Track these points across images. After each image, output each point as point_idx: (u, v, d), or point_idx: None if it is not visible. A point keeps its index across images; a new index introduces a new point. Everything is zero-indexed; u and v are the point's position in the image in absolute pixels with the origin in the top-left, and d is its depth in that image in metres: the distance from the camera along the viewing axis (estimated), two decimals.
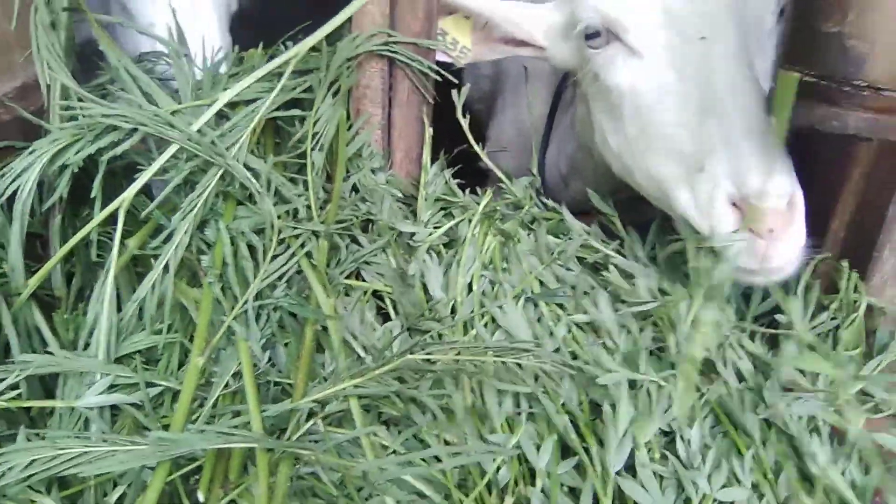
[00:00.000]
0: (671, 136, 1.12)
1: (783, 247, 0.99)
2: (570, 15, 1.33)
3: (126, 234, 1.11)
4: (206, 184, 1.05)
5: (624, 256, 1.26)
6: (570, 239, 1.30)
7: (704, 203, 1.03)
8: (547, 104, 2.05)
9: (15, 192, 1.07)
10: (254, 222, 1.08)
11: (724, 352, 1.08)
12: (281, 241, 1.08)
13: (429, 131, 1.41)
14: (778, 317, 1.14)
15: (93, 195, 1.09)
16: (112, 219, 1.12)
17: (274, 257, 1.07)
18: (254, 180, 1.06)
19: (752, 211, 0.96)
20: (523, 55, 1.46)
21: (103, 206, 1.13)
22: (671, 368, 1.05)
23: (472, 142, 1.41)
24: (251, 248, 1.09)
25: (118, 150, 1.05)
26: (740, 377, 1.08)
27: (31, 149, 1.06)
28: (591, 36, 1.22)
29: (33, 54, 1.08)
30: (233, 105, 1.21)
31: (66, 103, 1.10)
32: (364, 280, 1.25)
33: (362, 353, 1.11)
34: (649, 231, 1.30)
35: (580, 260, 1.28)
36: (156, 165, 1.04)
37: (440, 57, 1.41)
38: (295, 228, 1.09)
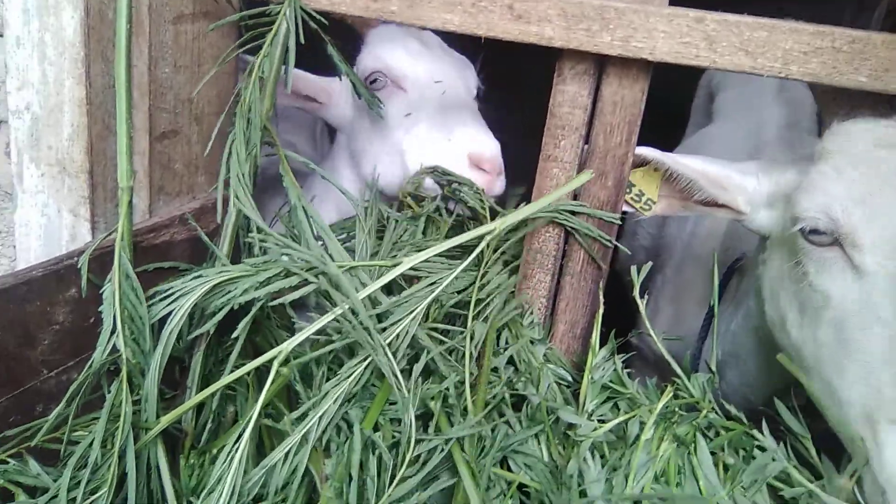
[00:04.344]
0: (870, 365, 1.03)
1: None
2: (782, 192, 1.25)
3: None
4: (355, 367, 0.96)
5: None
6: (753, 459, 1.09)
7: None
8: (704, 288, 1.90)
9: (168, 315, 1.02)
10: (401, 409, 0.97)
11: None
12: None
13: (601, 308, 1.28)
14: None
15: (235, 335, 1.02)
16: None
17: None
18: (401, 380, 0.95)
19: None
20: (718, 216, 1.35)
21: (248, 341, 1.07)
22: None
23: (649, 327, 1.26)
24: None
25: (287, 299, 0.97)
26: None
27: (196, 273, 1.01)
28: (812, 231, 1.11)
29: (231, 182, 1.05)
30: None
31: (259, 237, 1.05)
32: (510, 469, 1.09)
33: None
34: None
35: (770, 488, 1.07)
36: (314, 327, 0.96)
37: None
38: (440, 434, 0.96)
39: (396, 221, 1.31)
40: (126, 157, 0.98)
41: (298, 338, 0.99)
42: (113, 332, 0.91)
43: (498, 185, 1.39)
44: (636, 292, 1.26)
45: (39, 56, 1.01)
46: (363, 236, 1.14)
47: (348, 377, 0.97)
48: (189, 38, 1.14)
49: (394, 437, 1.05)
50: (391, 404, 1.05)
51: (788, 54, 1.10)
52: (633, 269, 1.27)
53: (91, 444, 0.86)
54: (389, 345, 0.99)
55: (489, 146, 1.34)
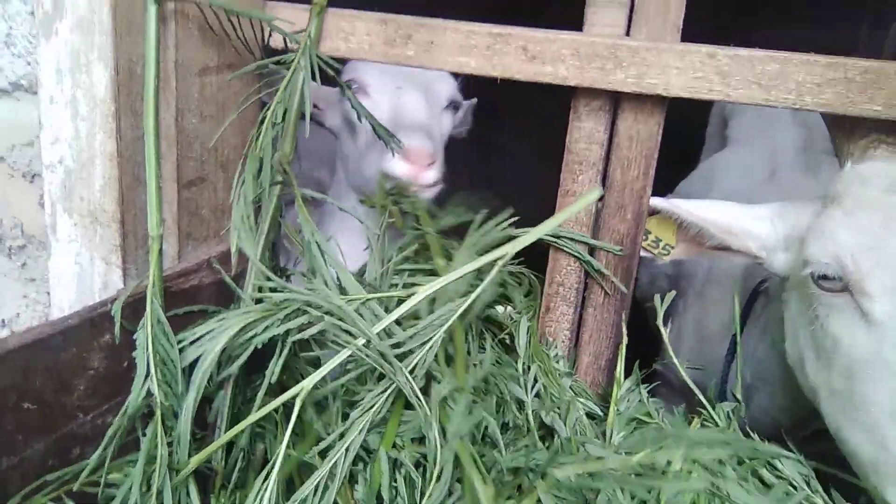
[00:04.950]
0: (877, 418, 1.01)
1: None
2: (797, 235, 1.25)
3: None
4: (377, 397, 0.98)
5: None
6: (786, 490, 1.09)
7: None
8: (728, 313, 1.89)
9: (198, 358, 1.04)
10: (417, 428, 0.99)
11: None
12: None
13: (625, 339, 1.28)
14: None
15: (268, 377, 1.04)
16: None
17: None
18: (425, 405, 0.97)
19: None
20: (735, 261, 1.36)
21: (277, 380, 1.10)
22: None
23: (672, 354, 1.26)
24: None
25: (305, 335, 1.00)
26: None
27: (221, 316, 1.04)
28: (822, 277, 1.11)
29: (236, 225, 1.08)
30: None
31: (257, 282, 1.08)
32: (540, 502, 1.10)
33: None
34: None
35: None
36: (329, 366, 0.98)
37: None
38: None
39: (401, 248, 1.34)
40: (156, 207, 1.02)
41: (318, 374, 1.01)
42: (147, 376, 0.94)
43: (427, 175, 1.53)
44: (659, 321, 1.27)
45: (72, 112, 1.05)
46: (374, 266, 1.16)
47: (371, 407, 0.99)
48: (214, 89, 1.18)
49: (413, 456, 1.06)
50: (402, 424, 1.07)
51: (801, 86, 1.11)
52: (657, 297, 1.28)
53: (130, 487, 0.88)
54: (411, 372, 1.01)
55: (416, 142, 1.51)
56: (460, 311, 0.95)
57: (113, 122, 1.03)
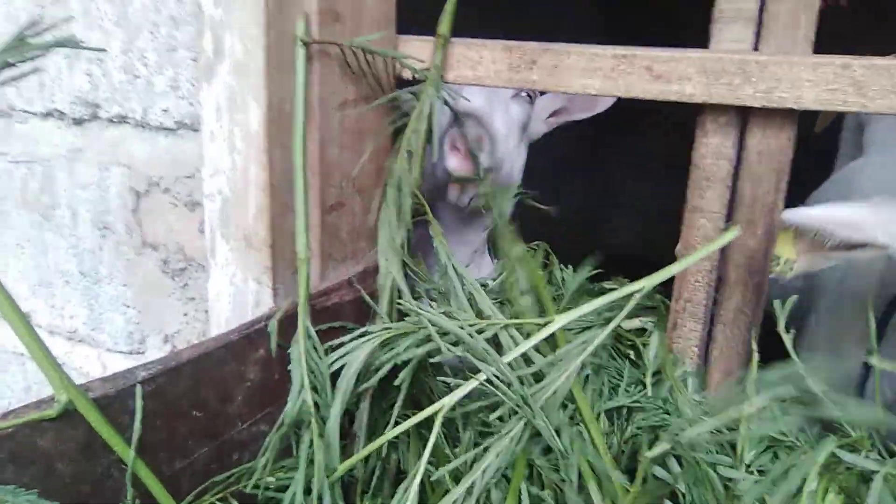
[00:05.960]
0: None
1: None
2: None
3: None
4: (513, 436, 1.01)
5: None
6: None
7: None
8: (864, 328, 1.81)
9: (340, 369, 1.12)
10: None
11: None
12: None
13: (755, 356, 1.26)
14: None
15: (403, 390, 1.10)
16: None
17: None
18: (560, 442, 0.99)
19: None
20: (863, 258, 1.30)
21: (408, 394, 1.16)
22: None
23: (799, 363, 1.23)
24: None
25: (439, 359, 1.05)
26: None
27: (364, 330, 1.12)
28: None
29: (381, 248, 1.16)
30: None
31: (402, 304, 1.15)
32: None
33: None
34: None
35: None
36: (467, 388, 1.02)
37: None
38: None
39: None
40: (304, 232, 1.11)
41: (457, 394, 1.06)
42: (302, 387, 1.02)
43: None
44: (780, 327, 1.24)
45: (229, 147, 1.15)
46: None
47: (508, 433, 1.02)
48: (352, 120, 1.26)
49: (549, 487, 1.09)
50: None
51: None
52: (777, 303, 1.25)
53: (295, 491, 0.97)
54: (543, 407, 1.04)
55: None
56: (597, 341, 0.98)
57: (265, 155, 1.13)
